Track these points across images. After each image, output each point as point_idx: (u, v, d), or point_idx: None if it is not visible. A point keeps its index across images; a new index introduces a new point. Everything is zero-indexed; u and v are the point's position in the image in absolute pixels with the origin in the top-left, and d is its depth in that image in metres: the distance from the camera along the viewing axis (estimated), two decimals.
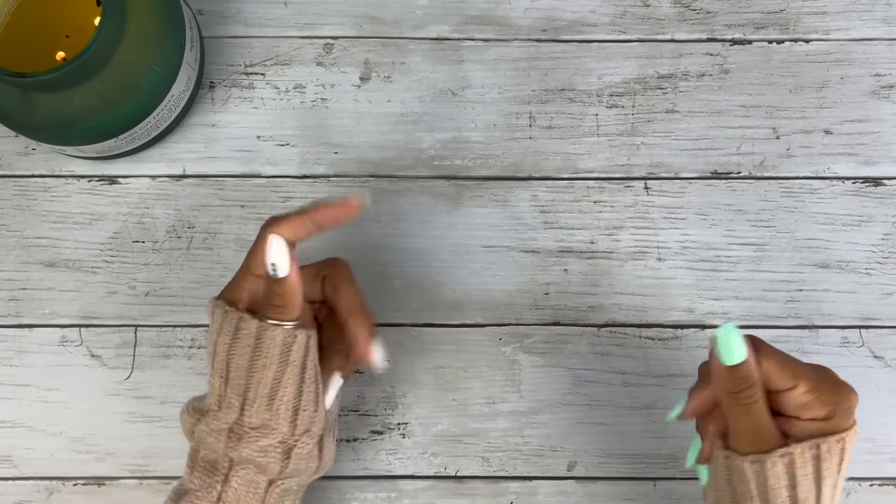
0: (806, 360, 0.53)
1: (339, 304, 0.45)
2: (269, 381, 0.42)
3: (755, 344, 0.41)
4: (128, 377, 0.54)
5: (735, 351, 0.40)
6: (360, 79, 0.57)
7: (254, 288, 0.43)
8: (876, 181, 0.56)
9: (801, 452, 0.40)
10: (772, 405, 0.41)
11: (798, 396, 0.40)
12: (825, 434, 0.40)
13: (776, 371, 0.41)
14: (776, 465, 0.40)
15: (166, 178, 0.56)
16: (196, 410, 0.44)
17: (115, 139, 0.52)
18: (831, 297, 0.55)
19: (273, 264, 0.42)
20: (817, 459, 0.40)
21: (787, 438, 0.41)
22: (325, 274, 0.46)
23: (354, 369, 0.49)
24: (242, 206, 0.56)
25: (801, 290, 0.55)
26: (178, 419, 0.53)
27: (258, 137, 0.56)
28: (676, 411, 0.44)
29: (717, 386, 0.41)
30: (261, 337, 0.42)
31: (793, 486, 0.40)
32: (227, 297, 0.44)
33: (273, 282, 0.42)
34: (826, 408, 0.40)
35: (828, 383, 0.41)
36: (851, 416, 0.41)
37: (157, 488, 0.53)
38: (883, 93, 0.57)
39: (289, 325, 0.42)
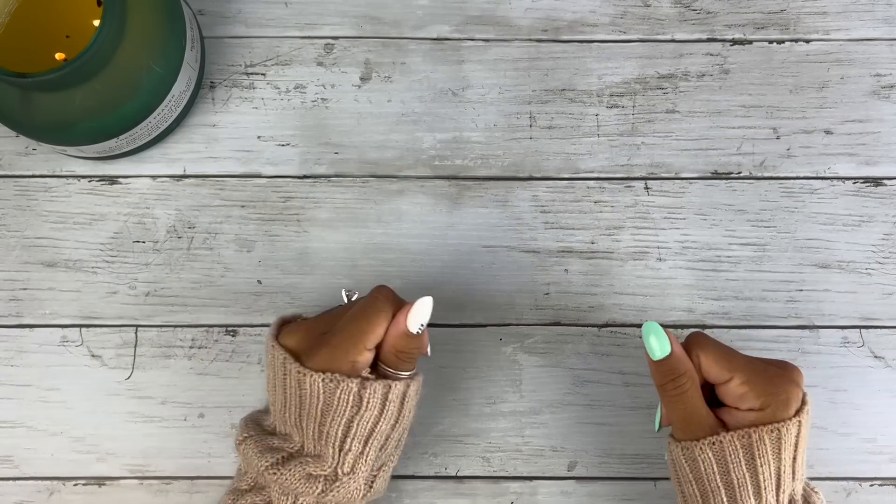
0: (806, 360, 0.54)
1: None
2: (369, 427, 0.44)
3: (694, 339, 0.45)
4: (128, 377, 0.54)
5: (655, 347, 0.44)
6: (361, 79, 0.57)
7: (364, 359, 0.44)
8: (876, 181, 0.56)
9: (730, 440, 0.43)
10: (717, 396, 0.45)
11: (734, 388, 0.43)
12: (758, 424, 0.43)
13: (712, 364, 0.44)
14: (705, 452, 0.43)
15: (167, 178, 0.56)
16: (270, 450, 0.44)
17: (115, 139, 0.52)
18: (831, 297, 0.55)
19: (422, 324, 0.44)
20: (749, 447, 0.43)
21: (724, 427, 0.44)
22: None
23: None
24: (243, 206, 0.56)
25: (801, 290, 0.55)
26: (178, 419, 0.53)
27: (258, 137, 0.56)
28: (657, 419, 0.47)
29: (653, 378, 0.45)
30: (386, 395, 0.43)
31: (725, 472, 0.43)
32: (336, 369, 0.43)
33: (411, 338, 0.44)
34: (760, 399, 0.43)
35: (763, 376, 0.43)
36: (788, 407, 0.43)
37: (157, 488, 0.53)
38: (883, 93, 0.57)
39: (407, 374, 0.45)
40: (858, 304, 0.55)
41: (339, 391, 0.43)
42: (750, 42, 0.58)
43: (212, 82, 0.57)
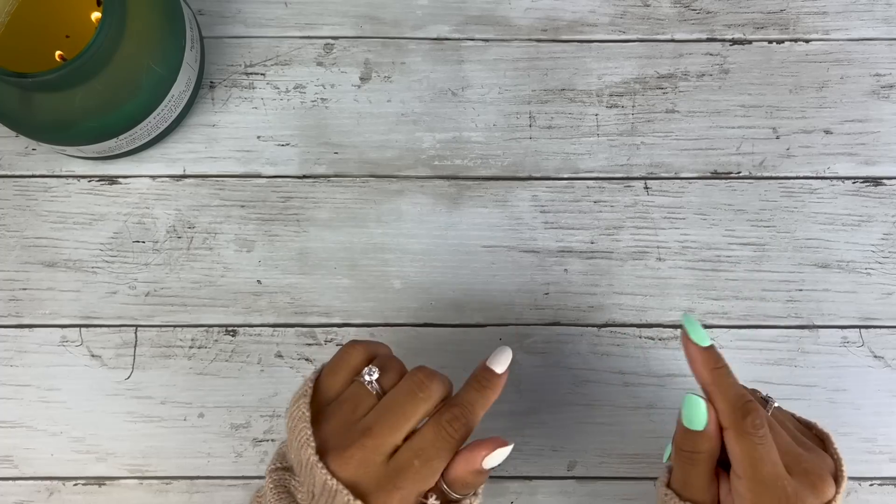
0: (806, 359, 0.54)
1: None
2: None
3: (741, 427, 0.41)
4: (128, 377, 0.54)
5: (689, 418, 0.41)
6: (360, 79, 0.57)
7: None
8: (876, 181, 0.56)
9: None
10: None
11: (739, 486, 0.41)
12: None
13: (738, 456, 0.40)
14: None
15: (166, 178, 0.56)
16: None
17: (115, 139, 0.52)
18: (831, 297, 0.55)
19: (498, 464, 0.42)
20: None
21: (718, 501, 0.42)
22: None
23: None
24: (242, 206, 0.56)
25: (801, 290, 0.55)
26: (177, 419, 0.53)
27: (258, 137, 0.56)
28: (667, 453, 0.45)
29: (675, 431, 0.43)
30: None
31: None
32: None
33: (482, 474, 0.41)
34: None
35: (774, 500, 0.40)
36: None
37: (157, 488, 0.53)
38: (883, 93, 0.57)
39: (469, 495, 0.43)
40: (858, 303, 0.55)
41: None
42: (749, 42, 0.58)
43: (211, 82, 0.57)
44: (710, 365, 0.42)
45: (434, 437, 0.40)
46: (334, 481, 0.39)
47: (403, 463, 0.40)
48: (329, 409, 0.41)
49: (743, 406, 0.41)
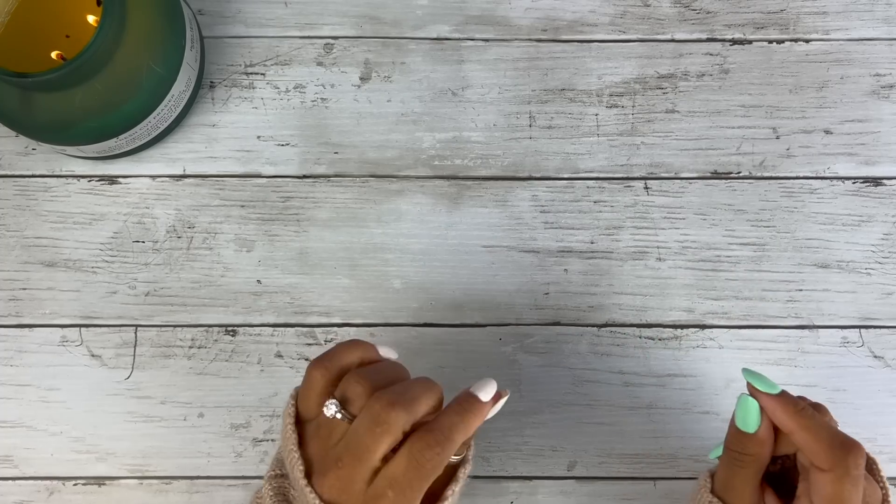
0: (805, 359, 0.54)
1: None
2: None
3: (846, 467, 0.39)
4: (128, 377, 0.54)
5: (745, 421, 0.41)
6: (360, 79, 0.57)
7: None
8: (876, 181, 0.56)
9: None
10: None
11: (822, 479, 0.39)
12: None
13: (825, 496, 0.39)
14: None
15: (166, 178, 0.56)
16: None
17: (115, 139, 0.52)
18: (831, 297, 0.55)
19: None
20: None
21: None
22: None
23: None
24: (242, 206, 0.56)
25: (800, 290, 0.55)
26: (177, 419, 0.53)
27: (258, 137, 0.56)
28: (714, 453, 0.44)
29: (727, 432, 0.42)
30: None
31: None
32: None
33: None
34: None
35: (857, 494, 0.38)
36: None
37: (157, 488, 0.53)
38: (883, 93, 0.57)
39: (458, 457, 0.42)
40: (858, 303, 0.55)
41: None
42: (749, 42, 0.58)
43: (211, 82, 0.57)
44: (791, 410, 0.40)
45: (406, 467, 0.38)
46: (319, 503, 0.39)
47: (379, 492, 0.39)
48: (310, 429, 0.41)
49: (841, 444, 0.39)
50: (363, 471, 0.39)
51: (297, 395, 0.42)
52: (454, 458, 0.41)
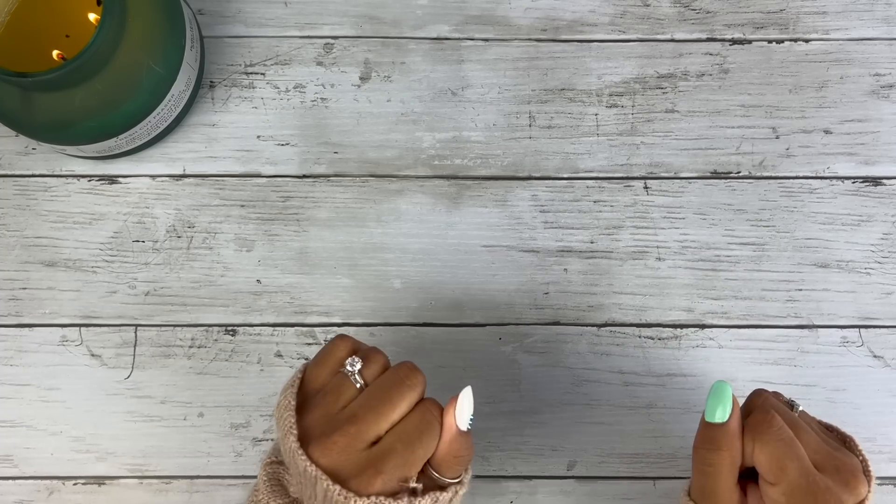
0: (805, 359, 0.54)
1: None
2: None
3: (756, 422, 0.40)
4: (128, 377, 0.54)
5: (712, 409, 0.41)
6: (360, 78, 0.57)
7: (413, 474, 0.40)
8: (876, 181, 0.56)
9: None
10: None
11: (772, 494, 0.40)
12: None
13: (763, 462, 0.40)
14: None
15: (166, 178, 0.56)
16: None
17: (115, 139, 0.52)
18: (831, 297, 0.55)
19: (471, 417, 0.41)
20: None
21: None
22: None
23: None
24: (242, 206, 0.56)
25: (800, 290, 0.55)
26: (177, 418, 0.53)
27: (258, 137, 0.56)
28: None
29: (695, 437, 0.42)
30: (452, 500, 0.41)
31: None
32: (388, 493, 0.39)
33: (465, 436, 0.41)
34: None
35: (810, 498, 0.39)
36: None
37: (157, 488, 0.53)
38: (883, 92, 0.57)
39: (455, 479, 0.42)
40: (858, 303, 0.55)
41: None
42: (749, 42, 0.58)
43: (211, 82, 0.57)
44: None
45: (419, 420, 0.40)
46: (313, 468, 0.39)
47: (386, 447, 0.40)
48: (314, 399, 0.41)
49: (755, 409, 0.41)
50: (375, 428, 0.40)
51: (309, 365, 0.43)
52: (451, 480, 0.42)
